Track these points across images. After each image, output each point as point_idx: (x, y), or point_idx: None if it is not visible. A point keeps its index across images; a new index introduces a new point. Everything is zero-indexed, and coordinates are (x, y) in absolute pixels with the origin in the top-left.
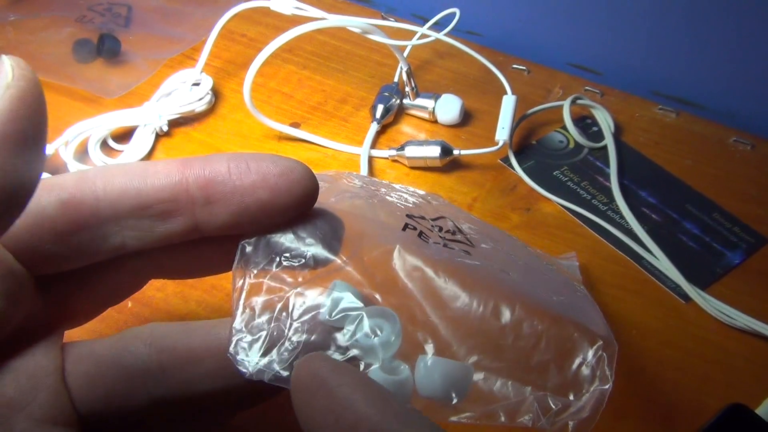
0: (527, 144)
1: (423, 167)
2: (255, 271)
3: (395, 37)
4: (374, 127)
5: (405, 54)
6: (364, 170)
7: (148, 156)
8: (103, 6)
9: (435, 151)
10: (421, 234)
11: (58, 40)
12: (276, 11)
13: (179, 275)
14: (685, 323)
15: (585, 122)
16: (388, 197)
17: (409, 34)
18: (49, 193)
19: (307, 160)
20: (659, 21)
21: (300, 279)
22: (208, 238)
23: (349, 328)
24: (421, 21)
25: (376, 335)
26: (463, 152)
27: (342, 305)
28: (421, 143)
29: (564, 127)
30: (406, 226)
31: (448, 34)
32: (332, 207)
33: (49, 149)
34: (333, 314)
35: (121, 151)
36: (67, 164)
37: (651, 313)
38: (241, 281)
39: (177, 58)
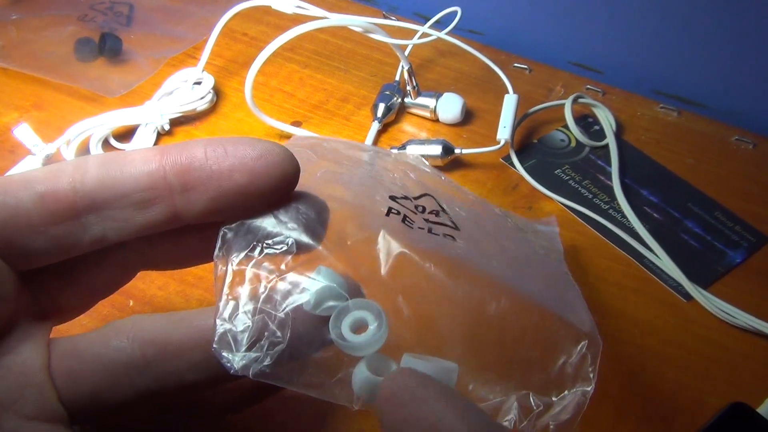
0: (529, 143)
1: None
2: (237, 259)
3: (397, 35)
4: (375, 126)
5: (406, 53)
6: None
7: None
8: (105, 5)
9: (436, 150)
10: (405, 218)
11: (60, 39)
12: (277, 10)
13: (165, 266)
14: (686, 322)
15: (586, 121)
16: (371, 167)
17: (411, 33)
18: (25, 186)
19: (310, 159)
20: (661, 20)
21: (283, 266)
22: (190, 227)
23: (335, 321)
24: (423, 20)
25: (361, 330)
26: (464, 151)
27: (326, 296)
28: (422, 142)
29: (565, 126)
30: (389, 211)
31: (449, 33)
32: (317, 187)
33: (51, 148)
34: (318, 306)
35: (123, 150)
36: None
37: (652, 312)
38: (223, 269)
39: (179, 57)
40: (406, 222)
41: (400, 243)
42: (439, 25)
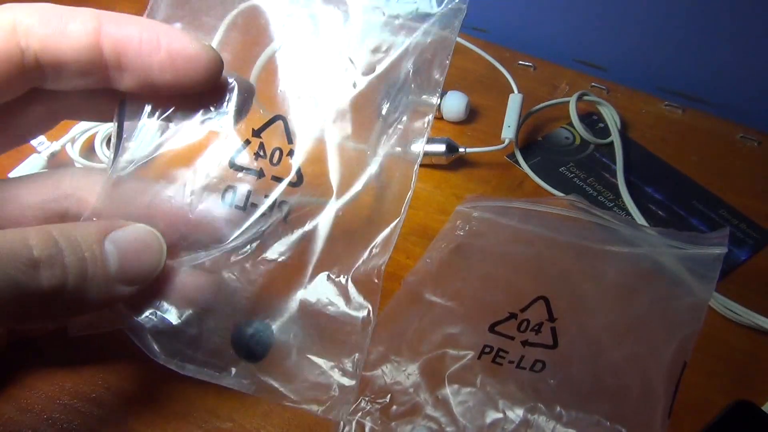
0: (533, 140)
1: (428, 164)
2: (348, 409)
3: None
4: (379, 124)
5: None
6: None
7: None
8: None
9: (440, 148)
10: (496, 355)
11: None
12: None
13: (87, 116)
14: None
15: (591, 118)
16: (510, 248)
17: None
18: None
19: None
20: (665, 17)
21: (385, 416)
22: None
23: None
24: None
25: None
26: (468, 150)
27: None
28: (426, 140)
29: (570, 124)
30: (482, 351)
31: None
32: (440, 299)
33: (56, 146)
34: None
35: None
36: (74, 161)
37: None
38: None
39: None
40: (497, 360)
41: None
42: None
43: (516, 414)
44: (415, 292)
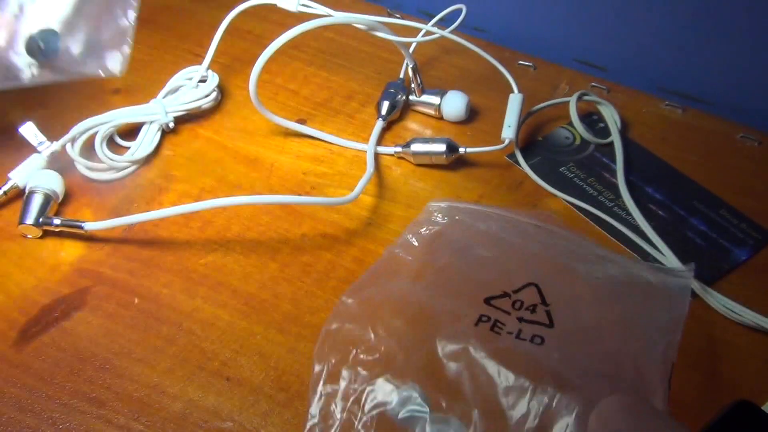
0: (533, 140)
1: (429, 164)
2: (334, 360)
3: (401, 33)
4: (380, 124)
5: (411, 50)
6: (370, 167)
7: (155, 153)
8: None
9: (440, 148)
10: (494, 325)
11: None
12: (282, 8)
13: None
14: (691, 319)
15: (591, 118)
16: (485, 250)
17: (415, 31)
18: None
19: (314, 157)
20: (665, 16)
21: (375, 371)
22: None
23: (415, 430)
24: (427, 17)
25: None
26: (469, 150)
27: (409, 406)
28: (426, 140)
29: (570, 124)
30: (479, 319)
31: (453, 31)
32: (429, 270)
33: (56, 146)
34: (400, 414)
35: (128, 147)
36: (74, 161)
37: None
38: (320, 367)
39: (184, 56)
40: (495, 329)
41: (483, 361)
42: (444, 22)
43: (518, 383)
44: (400, 260)
